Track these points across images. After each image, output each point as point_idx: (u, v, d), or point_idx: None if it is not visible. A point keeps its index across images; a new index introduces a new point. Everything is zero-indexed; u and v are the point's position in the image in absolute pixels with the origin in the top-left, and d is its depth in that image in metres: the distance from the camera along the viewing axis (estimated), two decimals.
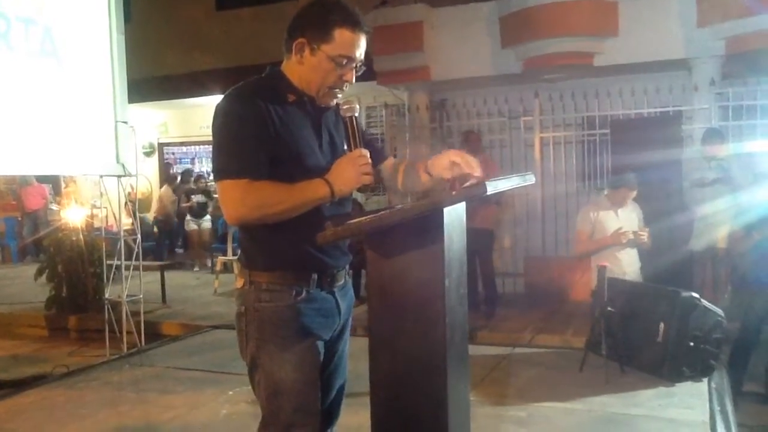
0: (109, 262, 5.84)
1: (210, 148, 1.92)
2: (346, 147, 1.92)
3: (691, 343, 4.25)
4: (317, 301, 1.97)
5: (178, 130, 13.74)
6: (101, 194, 5.81)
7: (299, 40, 1.89)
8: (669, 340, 4.30)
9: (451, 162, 1.85)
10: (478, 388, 4.27)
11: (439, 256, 1.78)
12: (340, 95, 1.99)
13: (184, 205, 11.34)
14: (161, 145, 14.20)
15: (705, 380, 4.31)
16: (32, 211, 12.59)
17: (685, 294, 4.34)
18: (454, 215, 1.86)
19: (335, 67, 1.89)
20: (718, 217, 5.89)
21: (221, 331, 6.12)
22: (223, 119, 1.85)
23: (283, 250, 1.92)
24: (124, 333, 5.52)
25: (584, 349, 4.70)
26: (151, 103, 12.07)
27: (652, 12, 7.29)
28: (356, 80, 1.98)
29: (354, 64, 1.92)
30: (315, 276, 1.95)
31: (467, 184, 1.83)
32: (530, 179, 2.00)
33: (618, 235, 5.02)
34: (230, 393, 4.36)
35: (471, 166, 1.83)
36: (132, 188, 12.24)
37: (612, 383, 4.30)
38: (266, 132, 1.83)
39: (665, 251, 5.71)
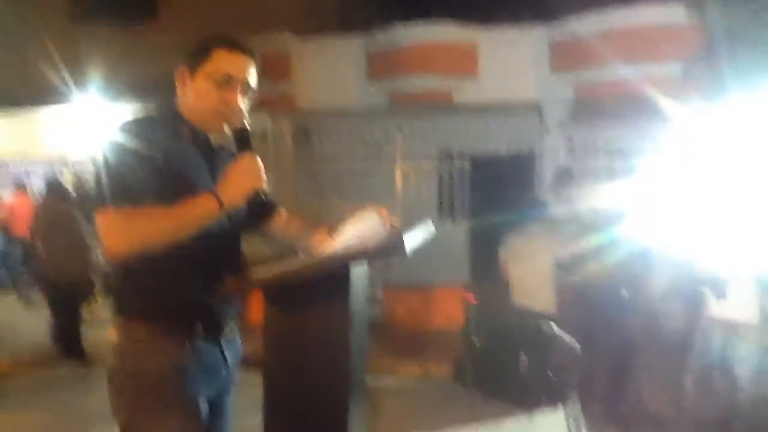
0: None
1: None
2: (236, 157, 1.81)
3: (551, 374, 4.46)
4: (202, 355, 1.80)
5: None
6: None
7: (180, 69, 1.85)
8: (529, 371, 4.48)
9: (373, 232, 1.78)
10: None
11: (344, 313, 1.72)
12: (232, 119, 1.83)
13: None
14: None
15: (562, 408, 4.52)
16: None
17: (543, 324, 4.53)
18: (360, 269, 1.83)
19: (214, 87, 1.81)
20: None
21: None
22: (108, 152, 1.71)
23: (162, 292, 1.74)
24: None
25: (449, 380, 4.74)
26: None
27: (509, 56, 7.74)
28: None
29: (237, 85, 1.83)
30: (199, 324, 1.79)
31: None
32: (431, 229, 1.97)
33: None
34: None
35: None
36: None
37: (475, 414, 4.33)
38: (155, 167, 1.71)
39: None
